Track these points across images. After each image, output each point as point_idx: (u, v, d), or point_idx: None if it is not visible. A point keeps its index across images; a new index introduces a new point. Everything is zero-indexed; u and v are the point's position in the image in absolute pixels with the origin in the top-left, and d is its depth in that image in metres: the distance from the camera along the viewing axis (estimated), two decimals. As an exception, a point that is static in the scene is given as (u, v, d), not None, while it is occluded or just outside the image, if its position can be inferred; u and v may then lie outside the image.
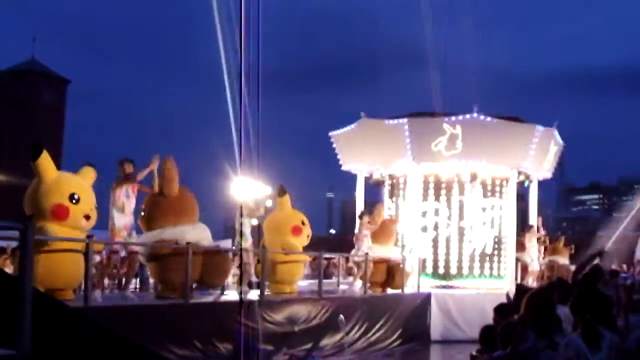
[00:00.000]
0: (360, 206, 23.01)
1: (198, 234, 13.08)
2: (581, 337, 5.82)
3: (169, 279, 12.77)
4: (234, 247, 17.14)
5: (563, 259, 25.01)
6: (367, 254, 18.31)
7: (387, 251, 19.79)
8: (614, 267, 18.68)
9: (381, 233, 19.48)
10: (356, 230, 19.41)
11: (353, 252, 19.20)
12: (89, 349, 5.79)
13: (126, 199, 12.46)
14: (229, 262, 14.37)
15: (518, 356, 6.39)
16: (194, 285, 13.24)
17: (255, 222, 17.87)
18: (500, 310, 8.23)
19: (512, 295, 8.73)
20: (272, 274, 15.46)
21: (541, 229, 24.61)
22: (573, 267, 24.79)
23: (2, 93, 61.91)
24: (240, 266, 15.27)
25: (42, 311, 5.54)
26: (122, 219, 12.37)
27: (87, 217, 10.97)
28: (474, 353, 8.38)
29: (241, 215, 16.30)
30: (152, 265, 13.30)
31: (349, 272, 20.92)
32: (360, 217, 19.27)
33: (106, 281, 15.67)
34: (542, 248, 24.19)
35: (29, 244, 5.31)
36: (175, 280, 12.57)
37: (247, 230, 16.45)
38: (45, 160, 10.82)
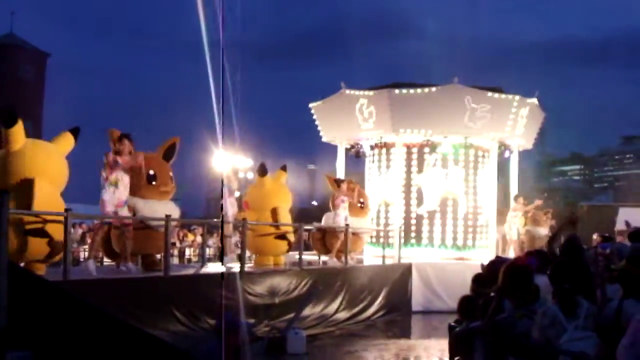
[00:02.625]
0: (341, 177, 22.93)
1: (150, 207, 13.14)
2: (558, 305, 5.85)
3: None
4: (215, 220, 17.03)
5: (543, 230, 25.14)
6: (347, 225, 18.31)
7: (362, 223, 19.94)
8: (595, 237, 18.70)
9: (357, 205, 19.63)
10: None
11: (326, 217, 19.32)
12: (67, 323, 5.77)
13: (119, 175, 12.01)
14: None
15: (495, 326, 6.43)
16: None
17: (236, 194, 17.87)
18: (477, 280, 8.27)
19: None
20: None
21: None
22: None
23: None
24: (221, 239, 15.23)
25: (19, 285, 5.51)
26: (116, 193, 11.85)
27: None
28: (452, 323, 8.44)
29: (222, 189, 16.25)
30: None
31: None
32: (338, 184, 19.20)
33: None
34: (523, 219, 24.18)
35: (3, 218, 5.27)
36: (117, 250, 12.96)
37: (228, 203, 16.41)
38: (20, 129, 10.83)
